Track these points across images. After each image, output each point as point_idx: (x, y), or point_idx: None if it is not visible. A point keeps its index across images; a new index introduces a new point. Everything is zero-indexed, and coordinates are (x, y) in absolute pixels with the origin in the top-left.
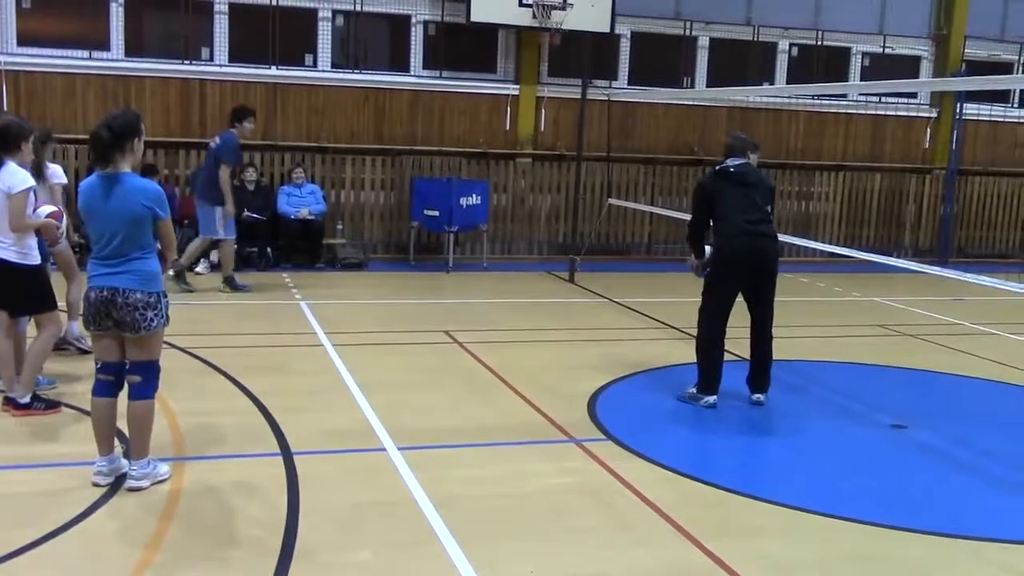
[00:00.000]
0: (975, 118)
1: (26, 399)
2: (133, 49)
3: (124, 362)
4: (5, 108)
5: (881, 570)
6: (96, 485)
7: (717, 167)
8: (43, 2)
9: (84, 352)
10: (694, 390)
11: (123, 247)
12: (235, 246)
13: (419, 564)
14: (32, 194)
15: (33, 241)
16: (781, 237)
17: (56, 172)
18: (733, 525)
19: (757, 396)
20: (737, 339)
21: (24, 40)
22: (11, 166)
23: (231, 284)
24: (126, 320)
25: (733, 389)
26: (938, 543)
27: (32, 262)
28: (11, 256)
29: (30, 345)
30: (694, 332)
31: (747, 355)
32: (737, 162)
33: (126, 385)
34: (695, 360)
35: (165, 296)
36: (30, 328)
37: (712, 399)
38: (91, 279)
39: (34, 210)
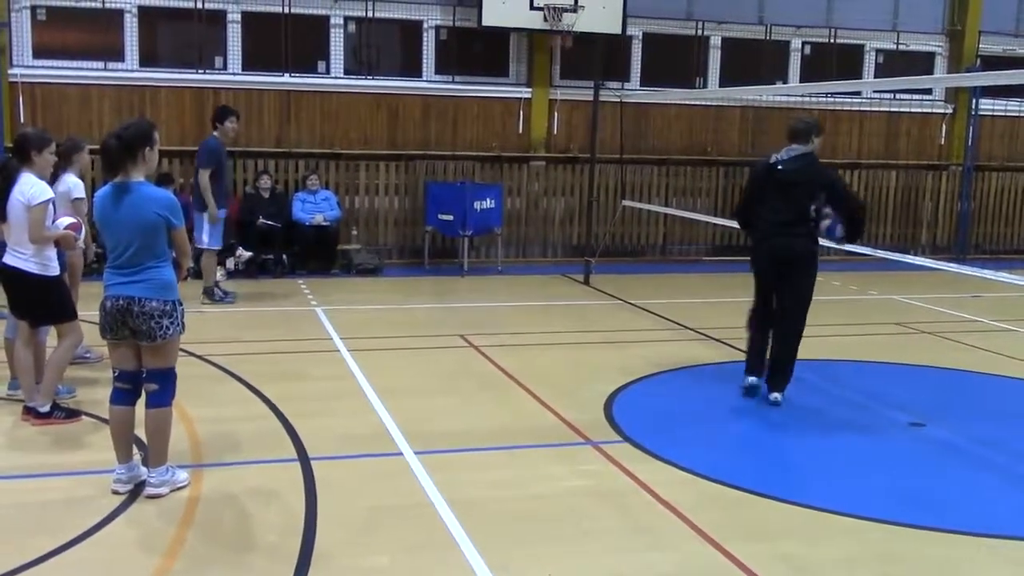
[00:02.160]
0: (991, 114)
1: (46, 408)
2: (147, 59)
3: (141, 370)
4: (22, 120)
5: (903, 570)
6: (115, 493)
7: (773, 157)
8: (58, 14)
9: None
10: None
11: (138, 256)
12: (218, 257)
13: (437, 568)
14: (51, 206)
15: (52, 252)
16: None
17: (75, 186)
18: (752, 526)
19: (773, 395)
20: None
21: (40, 52)
22: (29, 177)
23: (210, 295)
24: (142, 329)
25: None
26: (959, 542)
27: (52, 273)
28: (31, 267)
29: (50, 355)
30: (709, 333)
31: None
32: (794, 154)
33: (144, 393)
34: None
35: (181, 304)
36: (50, 339)
37: (747, 380)
38: (107, 288)
39: (53, 221)
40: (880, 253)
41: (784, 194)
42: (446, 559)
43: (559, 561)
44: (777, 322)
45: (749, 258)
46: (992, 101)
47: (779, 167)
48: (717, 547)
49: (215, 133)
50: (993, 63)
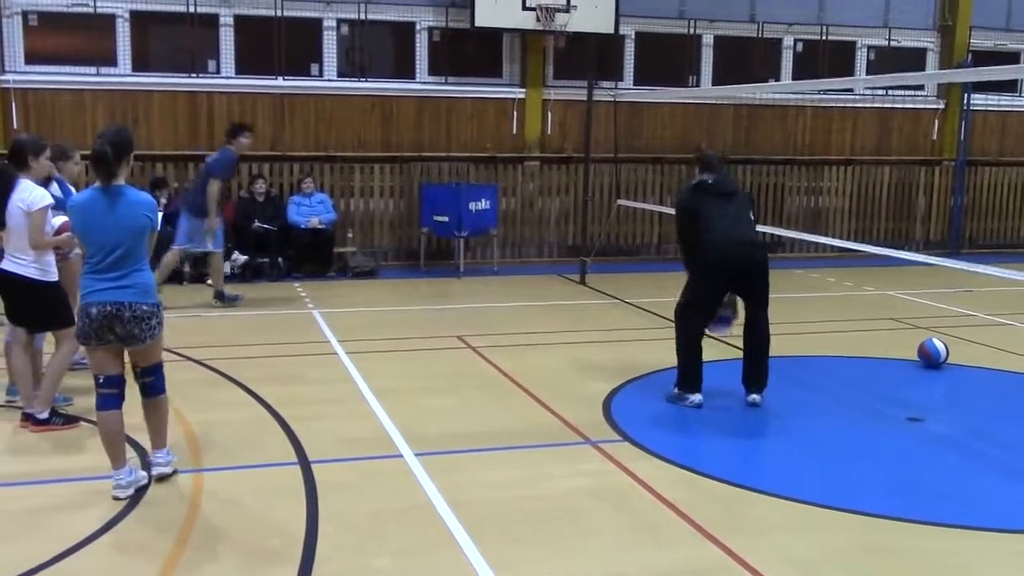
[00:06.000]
0: (983, 108)
1: (44, 415)
2: (140, 64)
3: (123, 373)
4: (15, 125)
5: (900, 563)
6: (116, 499)
7: (699, 181)
8: (50, 20)
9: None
10: (677, 390)
11: (125, 260)
12: (224, 259)
13: (439, 569)
14: (50, 211)
15: (51, 258)
16: (790, 233)
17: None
18: (751, 522)
19: (752, 396)
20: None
21: (32, 58)
22: (28, 183)
23: (222, 298)
24: (133, 332)
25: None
26: (956, 535)
27: (52, 278)
28: (32, 273)
29: (48, 361)
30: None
31: None
32: (714, 176)
33: (139, 387)
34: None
35: (160, 304)
36: (47, 345)
37: (697, 398)
38: (90, 294)
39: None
40: (870, 248)
41: (731, 203)
42: (448, 560)
43: (560, 560)
44: (756, 325)
45: (703, 273)
46: (984, 96)
47: (712, 183)
48: (717, 543)
49: (230, 146)
50: (984, 58)
